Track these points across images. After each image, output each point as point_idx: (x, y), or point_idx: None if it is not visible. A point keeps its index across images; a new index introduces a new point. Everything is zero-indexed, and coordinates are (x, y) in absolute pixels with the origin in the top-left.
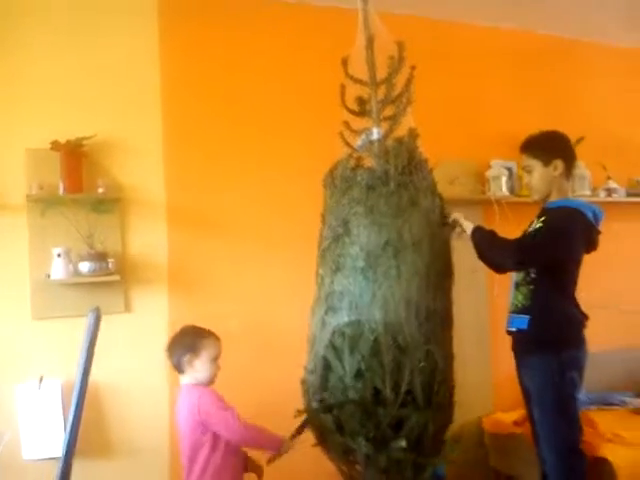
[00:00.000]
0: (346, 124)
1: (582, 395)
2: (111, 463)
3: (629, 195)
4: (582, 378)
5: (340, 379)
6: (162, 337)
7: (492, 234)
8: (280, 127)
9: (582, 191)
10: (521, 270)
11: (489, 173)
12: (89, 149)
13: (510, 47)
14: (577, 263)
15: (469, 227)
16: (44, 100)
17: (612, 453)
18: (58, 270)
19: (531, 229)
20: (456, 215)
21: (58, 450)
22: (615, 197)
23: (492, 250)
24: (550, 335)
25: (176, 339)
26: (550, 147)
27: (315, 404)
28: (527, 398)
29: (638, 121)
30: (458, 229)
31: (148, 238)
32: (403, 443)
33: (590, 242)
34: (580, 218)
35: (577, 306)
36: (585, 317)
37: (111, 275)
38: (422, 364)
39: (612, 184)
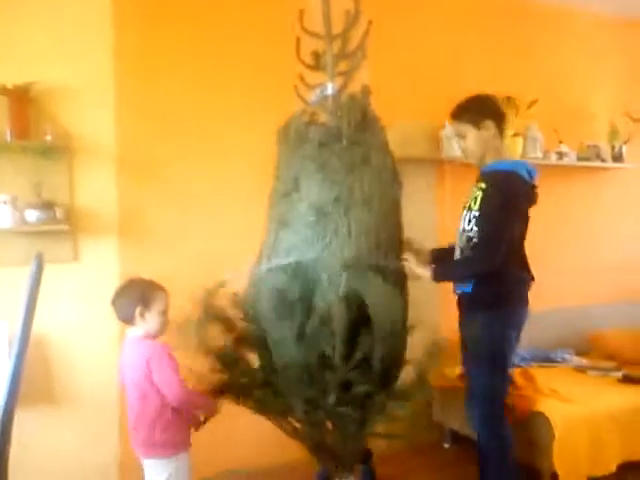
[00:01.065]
0: (301, 78)
1: (523, 351)
2: (59, 414)
3: (579, 159)
4: (519, 337)
5: (281, 341)
6: (111, 288)
7: (453, 264)
8: (234, 77)
9: (534, 153)
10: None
11: (443, 133)
12: (37, 95)
13: (470, 6)
14: (524, 223)
15: (426, 274)
16: None
17: (549, 408)
18: (4, 218)
19: (471, 199)
20: (407, 264)
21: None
22: (566, 161)
23: (467, 271)
24: (492, 295)
25: (125, 291)
26: (479, 109)
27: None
28: (464, 353)
29: (594, 88)
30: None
31: (97, 187)
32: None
33: (530, 200)
34: (518, 181)
35: (524, 265)
36: (530, 277)
37: (59, 224)
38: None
39: (564, 148)
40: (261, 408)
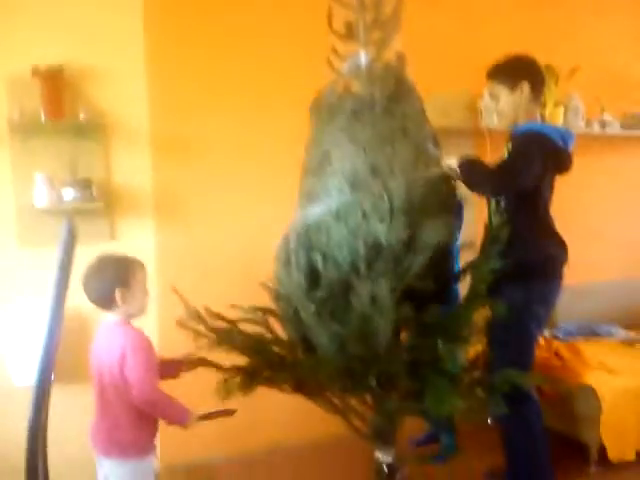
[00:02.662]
0: (333, 49)
1: (569, 325)
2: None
3: (623, 128)
4: (549, 313)
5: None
6: (148, 265)
7: (478, 167)
8: (267, 51)
9: (575, 123)
10: (498, 197)
11: (482, 103)
12: (70, 75)
13: None
14: (547, 188)
15: (454, 162)
16: (25, 26)
17: (597, 381)
18: (41, 197)
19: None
20: (445, 160)
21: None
22: (609, 130)
23: (483, 181)
24: (519, 267)
25: (98, 272)
26: (515, 70)
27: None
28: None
29: (637, 56)
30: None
31: (133, 165)
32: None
33: (559, 164)
34: (544, 140)
35: (553, 236)
36: (562, 250)
37: (95, 202)
38: None
39: (607, 117)
40: (297, 386)
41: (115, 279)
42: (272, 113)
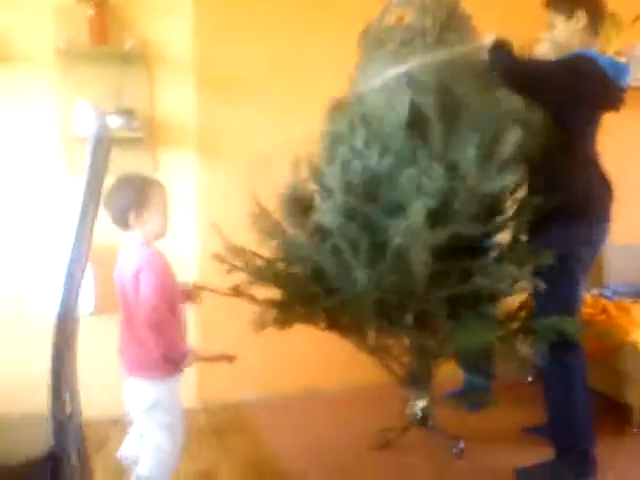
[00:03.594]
0: None
1: (617, 285)
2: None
3: None
4: (593, 257)
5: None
6: (190, 199)
7: (505, 49)
8: None
9: (637, 74)
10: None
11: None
12: (116, 3)
13: None
14: (592, 123)
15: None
16: None
17: None
18: (86, 124)
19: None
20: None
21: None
22: None
23: (497, 64)
24: (562, 207)
25: (117, 191)
26: None
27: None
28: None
29: None
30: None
31: (176, 97)
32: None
33: (607, 97)
34: (591, 65)
35: (597, 176)
36: (606, 190)
37: (139, 132)
38: None
39: None
40: (333, 321)
41: (132, 198)
42: (319, 50)
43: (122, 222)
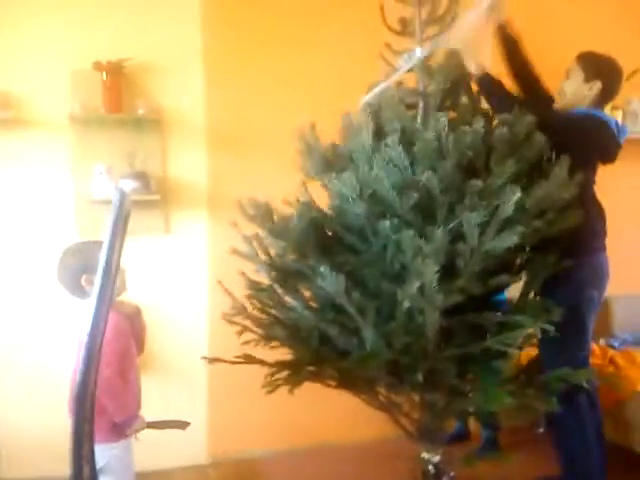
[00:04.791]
0: (388, 45)
1: (625, 334)
2: (151, 379)
3: None
4: (601, 296)
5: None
6: (201, 259)
7: (495, 83)
8: (321, 47)
9: (634, 127)
10: None
11: None
12: (130, 70)
13: None
14: (590, 164)
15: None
16: (86, 23)
17: None
18: (100, 188)
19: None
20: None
21: None
22: None
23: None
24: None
25: (66, 262)
26: (599, 67)
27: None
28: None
29: None
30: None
31: (188, 160)
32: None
33: (609, 150)
34: (597, 120)
35: (596, 209)
36: (603, 222)
37: (152, 195)
38: None
39: None
40: (344, 380)
41: (79, 267)
42: (328, 110)
43: (77, 291)
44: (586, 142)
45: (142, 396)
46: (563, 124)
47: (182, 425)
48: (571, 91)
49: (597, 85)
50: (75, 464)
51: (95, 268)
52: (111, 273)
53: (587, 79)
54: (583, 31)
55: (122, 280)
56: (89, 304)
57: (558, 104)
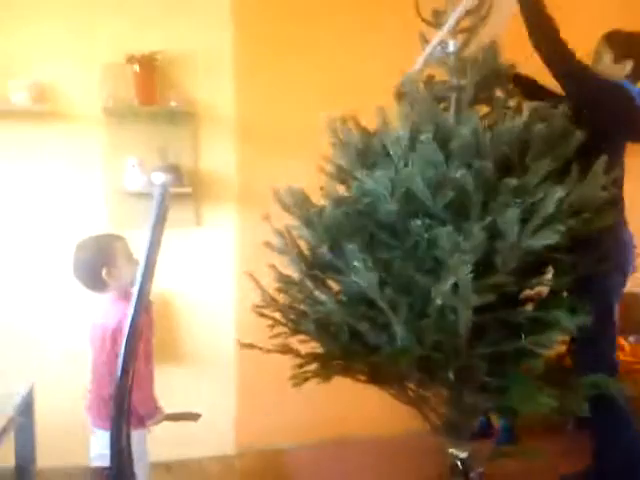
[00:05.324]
0: (422, 36)
1: None
2: (180, 370)
3: None
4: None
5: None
6: (230, 252)
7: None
8: (353, 39)
9: None
10: None
11: None
12: (162, 64)
13: None
14: (621, 149)
15: None
16: (120, 16)
17: None
18: (132, 180)
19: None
20: None
21: None
22: None
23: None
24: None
25: (79, 260)
26: (629, 46)
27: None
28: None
29: None
30: None
31: (220, 153)
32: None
33: (630, 123)
34: (623, 91)
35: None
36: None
37: (184, 187)
38: None
39: None
40: (374, 375)
41: (97, 260)
42: (359, 102)
43: (96, 284)
44: (615, 114)
45: (170, 386)
46: (596, 84)
47: (194, 417)
48: (604, 71)
49: (629, 64)
50: (114, 449)
51: (114, 261)
52: (152, 268)
53: (617, 59)
54: (588, 22)
55: (133, 272)
56: (107, 296)
57: None
